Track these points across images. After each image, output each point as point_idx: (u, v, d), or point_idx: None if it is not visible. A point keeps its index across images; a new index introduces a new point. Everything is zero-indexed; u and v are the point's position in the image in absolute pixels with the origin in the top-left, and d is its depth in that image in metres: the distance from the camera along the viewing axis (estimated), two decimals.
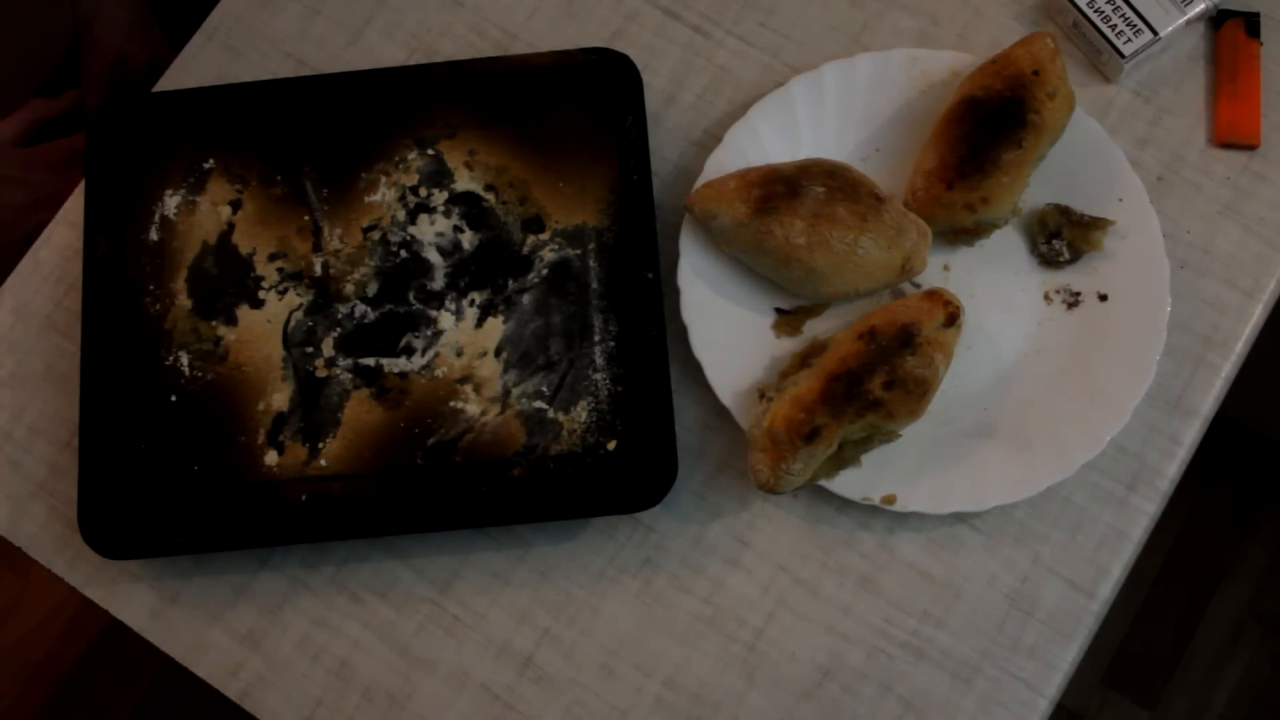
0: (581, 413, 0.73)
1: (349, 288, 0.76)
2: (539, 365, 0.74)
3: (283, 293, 0.76)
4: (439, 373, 0.74)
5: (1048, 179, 0.76)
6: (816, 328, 0.76)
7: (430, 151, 0.78)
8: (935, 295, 0.70)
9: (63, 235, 0.82)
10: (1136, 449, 0.74)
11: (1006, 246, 0.77)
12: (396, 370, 0.75)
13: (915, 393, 0.68)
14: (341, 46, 0.85)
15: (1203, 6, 0.77)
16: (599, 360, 0.74)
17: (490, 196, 0.77)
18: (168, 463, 0.74)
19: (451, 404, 0.74)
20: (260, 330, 0.76)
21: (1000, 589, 0.73)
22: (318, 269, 0.77)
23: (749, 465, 0.70)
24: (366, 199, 0.78)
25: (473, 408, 0.73)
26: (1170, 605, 1.50)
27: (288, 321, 0.76)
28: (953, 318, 0.70)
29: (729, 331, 0.74)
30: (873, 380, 0.68)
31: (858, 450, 0.71)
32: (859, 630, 0.72)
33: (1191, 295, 0.76)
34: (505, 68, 0.79)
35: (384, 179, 0.78)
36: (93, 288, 0.76)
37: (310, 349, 0.75)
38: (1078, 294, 0.75)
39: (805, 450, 0.68)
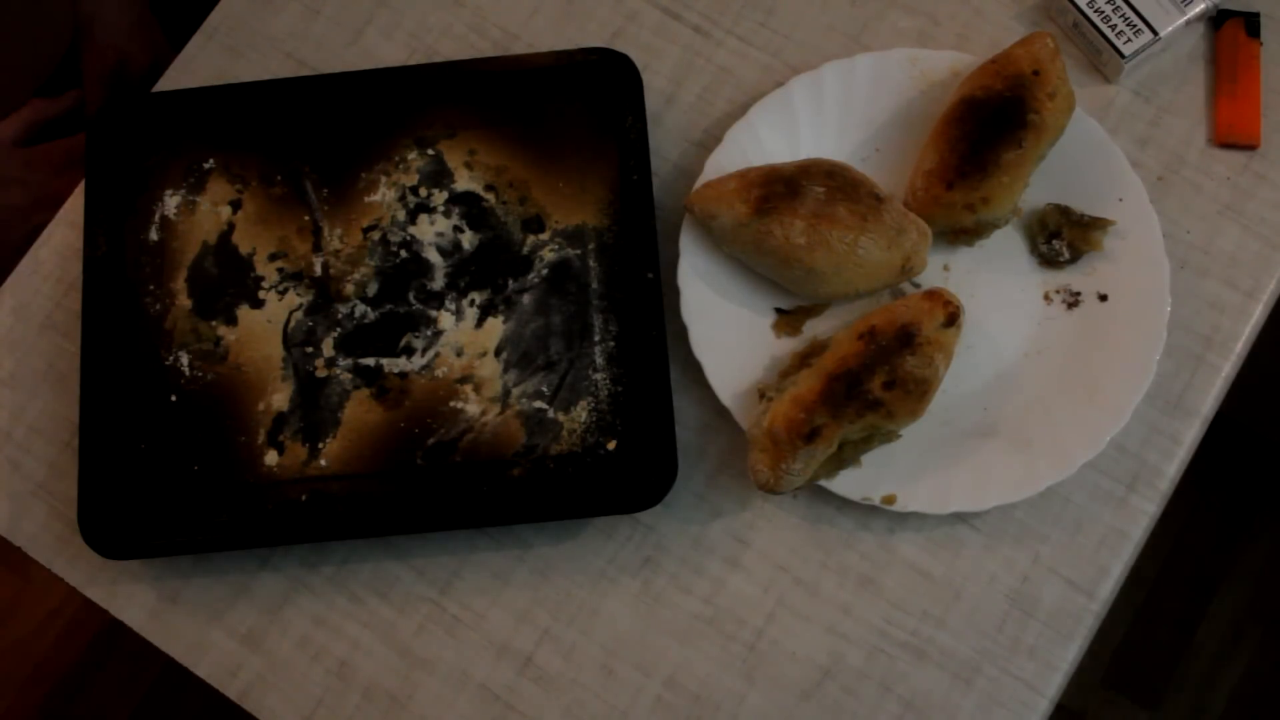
0: (581, 413, 0.73)
1: (349, 288, 0.76)
2: (539, 365, 0.74)
3: (283, 293, 0.76)
4: (439, 373, 0.74)
5: (1048, 179, 0.76)
6: (816, 328, 0.76)
7: (430, 151, 0.78)
8: (935, 295, 0.70)
9: (63, 235, 0.82)
10: (1136, 449, 0.74)
11: (1006, 246, 0.76)
12: (396, 370, 0.75)
13: (915, 393, 0.68)
14: (341, 46, 0.85)
15: (1203, 6, 0.77)
16: (599, 360, 0.74)
17: (490, 196, 0.77)
18: (168, 463, 0.74)
19: (451, 404, 0.74)
20: (260, 330, 0.76)
21: (1000, 589, 0.73)
22: (318, 269, 0.77)
23: (749, 465, 0.70)
24: (366, 199, 0.78)
25: (473, 408, 0.74)
26: (1170, 605, 1.50)
27: (288, 321, 0.76)
28: (953, 318, 0.70)
29: (729, 331, 0.74)
30: (873, 380, 0.68)
31: (858, 450, 0.71)
32: (859, 630, 0.72)
33: (1191, 295, 0.76)
34: (505, 68, 0.79)
35: (384, 179, 0.78)
36: (93, 288, 0.76)
37: (310, 349, 0.75)
38: (1078, 294, 0.75)
39: (805, 450, 0.68)
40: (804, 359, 0.73)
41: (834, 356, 0.70)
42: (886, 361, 0.68)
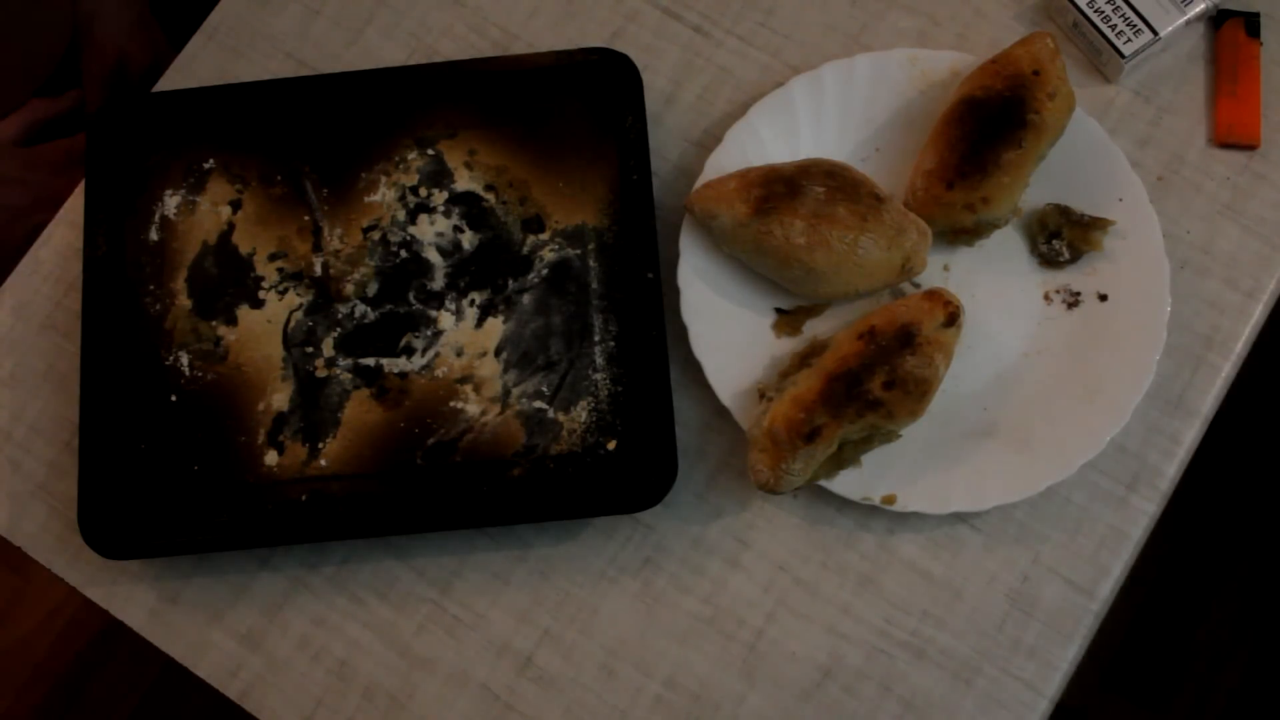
0: (581, 413, 0.73)
1: (349, 288, 0.76)
2: (539, 365, 0.74)
3: (283, 293, 0.76)
4: (439, 373, 0.74)
5: (1048, 179, 0.76)
6: (816, 328, 0.76)
7: (430, 151, 0.78)
8: (935, 295, 0.70)
9: (63, 235, 0.82)
10: (1136, 449, 0.74)
11: (1006, 246, 0.76)
12: (396, 370, 0.75)
13: (915, 393, 0.68)
14: (341, 46, 0.85)
15: (1203, 6, 0.77)
16: (599, 360, 0.74)
17: (490, 196, 0.77)
18: (168, 463, 0.74)
19: (451, 404, 0.74)
20: (260, 330, 0.76)
21: (1000, 589, 0.73)
22: (318, 269, 0.77)
23: (749, 465, 0.70)
24: (366, 199, 0.78)
25: (473, 408, 0.74)
26: (1170, 605, 1.50)
27: (288, 321, 0.76)
28: (953, 317, 0.70)
29: (729, 331, 0.74)
30: (873, 380, 0.68)
31: (857, 450, 0.71)
32: (859, 630, 0.72)
33: (1191, 295, 0.76)
34: (505, 68, 0.79)
35: (384, 179, 0.78)
36: (93, 288, 0.76)
37: (310, 349, 0.75)
38: (1078, 294, 0.75)
39: (805, 450, 0.68)
40: (804, 359, 0.73)
41: (834, 356, 0.69)
42: (886, 361, 0.68)
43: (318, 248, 0.77)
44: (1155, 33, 0.77)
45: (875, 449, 0.71)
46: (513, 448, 0.73)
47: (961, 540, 0.73)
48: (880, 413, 0.68)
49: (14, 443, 0.79)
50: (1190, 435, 0.74)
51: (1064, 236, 0.75)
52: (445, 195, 0.77)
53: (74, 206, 0.83)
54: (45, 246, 0.82)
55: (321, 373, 0.75)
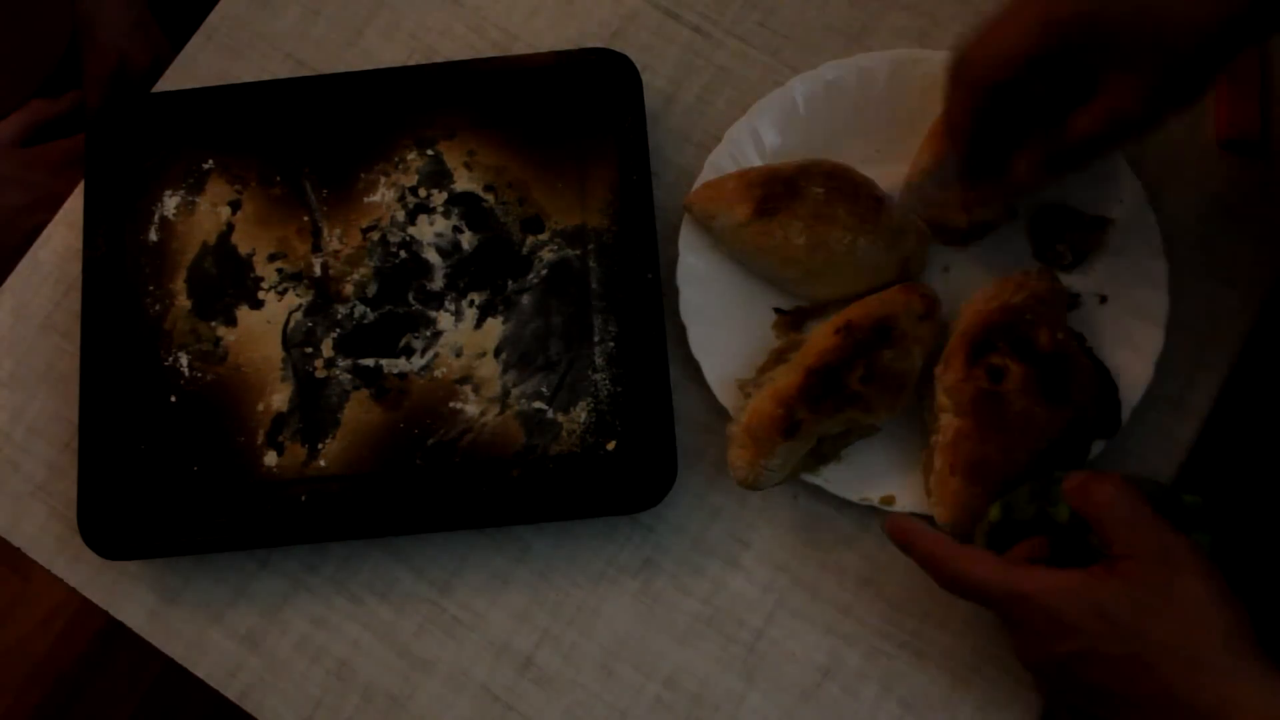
0: (581, 413, 0.73)
1: (348, 288, 0.76)
2: (538, 366, 0.74)
3: (282, 293, 0.76)
4: (438, 373, 0.74)
5: None
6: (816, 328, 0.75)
7: (430, 152, 0.78)
8: (911, 288, 0.71)
9: (63, 235, 0.82)
10: (1137, 449, 0.74)
11: (1008, 248, 0.76)
12: (396, 371, 0.75)
13: (893, 386, 0.68)
14: (341, 47, 0.85)
15: None
16: (598, 361, 0.74)
17: (490, 197, 0.77)
18: (168, 463, 0.74)
19: (451, 404, 0.74)
20: (260, 331, 0.76)
21: None
22: (317, 269, 0.77)
23: (728, 462, 0.70)
24: (366, 199, 0.78)
25: (472, 408, 0.73)
26: None
27: (287, 322, 0.76)
28: (930, 309, 0.70)
29: (728, 331, 0.74)
30: (851, 374, 0.68)
31: (837, 446, 0.71)
32: (859, 630, 0.72)
33: (1191, 295, 0.76)
34: (505, 68, 0.79)
35: (383, 179, 0.78)
36: (92, 288, 0.76)
37: (310, 349, 0.75)
38: (1077, 295, 0.75)
39: (784, 446, 0.68)
40: (780, 354, 0.72)
41: (811, 351, 0.69)
42: (864, 355, 0.68)
43: (317, 248, 0.77)
44: None
45: (868, 448, 0.71)
46: (512, 448, 0.73)
47: None
48: (859, 407, 0.68)
49: (14, 443, 0.79)
50: (1190, 435, 0.74)
51: (1064, 238, 0.75)
52: (445, 196, 0.77)
53: (74, 207, 0.83)
54: (45, 247, 0.82)
55: (321, 373, 0.75)
